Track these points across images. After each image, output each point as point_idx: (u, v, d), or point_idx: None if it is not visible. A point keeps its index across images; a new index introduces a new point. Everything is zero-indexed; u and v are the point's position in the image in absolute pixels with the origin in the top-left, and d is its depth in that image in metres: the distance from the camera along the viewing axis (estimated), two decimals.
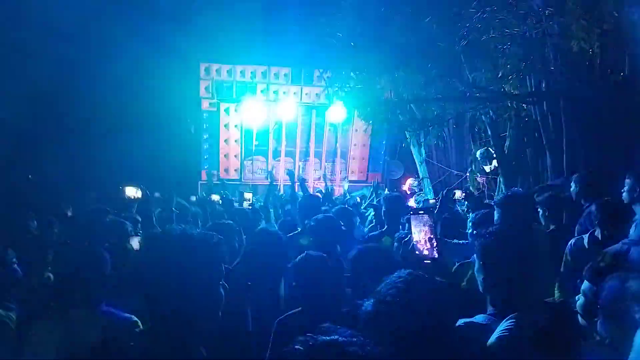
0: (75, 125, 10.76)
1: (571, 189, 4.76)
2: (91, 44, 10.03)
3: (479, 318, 1.92)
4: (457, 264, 3.34)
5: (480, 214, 3.80)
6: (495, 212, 3.34)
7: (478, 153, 9.89)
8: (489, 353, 1.80)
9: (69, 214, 5.86)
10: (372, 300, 1.60)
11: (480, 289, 1.99)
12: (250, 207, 6.15)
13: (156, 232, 2.74)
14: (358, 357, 0.98)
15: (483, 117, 8.60)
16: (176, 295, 1.48)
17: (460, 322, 1.85)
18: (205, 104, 12.09)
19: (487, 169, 9.74)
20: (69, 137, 10.69)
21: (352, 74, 7.52)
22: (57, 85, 10.15)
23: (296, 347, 1.02)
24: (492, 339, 1.86)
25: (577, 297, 2.31)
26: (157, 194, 6.61)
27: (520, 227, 2.16)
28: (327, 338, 1.02)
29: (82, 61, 10.18)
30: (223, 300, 1.57)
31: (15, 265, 2.89)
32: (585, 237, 3.50)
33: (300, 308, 2.65)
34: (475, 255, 2.04)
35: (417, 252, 2.46)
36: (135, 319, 2.34)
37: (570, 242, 3.59)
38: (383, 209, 4.85)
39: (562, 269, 3.56)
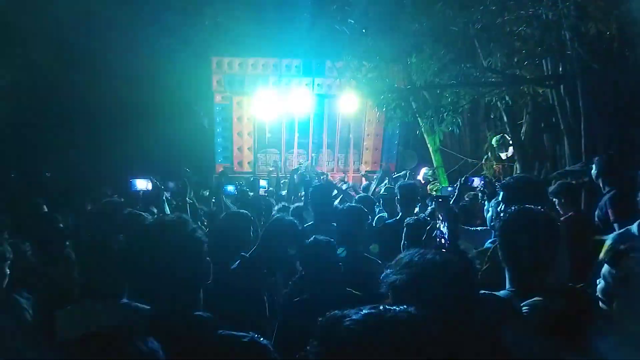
0: (88, 119, 10.88)
1: (592, 172, 4.68)
2: (105, 37, 10.09)
3: (500, 293, 1.91)
4: (474, 251, 3.31)
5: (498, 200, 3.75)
6: (501, 194, 3.28)
7: (494, 140, 9.75)
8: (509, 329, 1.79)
9: (88, 207, 5.92)
10: (404, 271, 1.59)
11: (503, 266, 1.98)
12: (266, 194, 6.21)
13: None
14: (406, 323, 0.98)
15: (498, 103, 8.47)
16: (157, 278, 1.56)
17: (482, 292, 1.84)
18: (218, 98, 12.11)
19: (503, 156, 9.60)
20: (83, 132, 10.82)
21: (363, 62, 7.44)
22: (71, 79, 10.26)
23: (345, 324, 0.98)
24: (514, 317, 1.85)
25: (597, 281, 2.27)
26: (171, 184, 6.66)
27: (541, 209, 2.11)
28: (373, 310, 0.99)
29: (96, 55, 10.27)
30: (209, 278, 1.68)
31: (29, 254, 2.93)
32: (635, 226, 3.31)
33: (306, 295, 2.66)
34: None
35: (438, 239, 2.46)
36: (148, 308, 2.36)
37: (616, 234, 3.45)
38: (397, 196, 4.82)
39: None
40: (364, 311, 0.99)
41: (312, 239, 2.84)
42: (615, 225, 3.96)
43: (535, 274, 1.89)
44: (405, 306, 1.02)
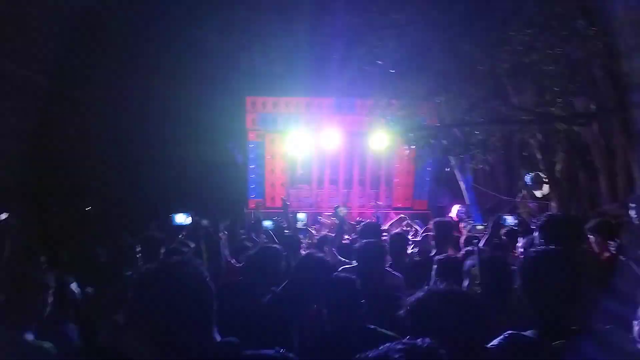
0: (128, 156, 11.33)
1: (630, 213, 4.56)
2: (148, 79, 10.64)
3: (527, 333, 1.91)
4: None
5: (530, 238, 3.73)
6: (536, 234, 3.27)
7: (528, 178, 9.62)
8: None
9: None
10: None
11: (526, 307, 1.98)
12: (305, 227, 6.34)
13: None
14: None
15: (531, 140, 8.42)
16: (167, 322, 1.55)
17: (507, 333, 1.85)
18: (251, 136, 12.48)
19: (537, 194, 9.44)
20: (122, 169, 11.27)
21: (392, 101, 7.59)
22: (114, 118, 10.79)
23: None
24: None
25: (634, 323, 2.22)
26: (204, 222, 6.84)
27: (560, 250, 2.12)
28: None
29: (140, 96, 10.80)
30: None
31: (74, 288, 3.07)
32: None
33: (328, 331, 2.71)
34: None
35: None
36: None
37: None
38: (433, 233, 4.83)
39: None
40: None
41: (333, 275, 2.90)
42: None
43: (557, 315, 1.89)
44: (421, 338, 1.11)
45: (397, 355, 1.11)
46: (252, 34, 10.64)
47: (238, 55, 11.17)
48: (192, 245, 4.56)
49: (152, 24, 10.01)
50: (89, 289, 3.39)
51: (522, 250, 3.66)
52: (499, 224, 5.25)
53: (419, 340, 1.21)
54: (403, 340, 1.23)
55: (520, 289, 1.98)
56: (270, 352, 1.59)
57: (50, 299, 2.78)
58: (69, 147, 10.74)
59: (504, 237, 5.60)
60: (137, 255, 4.39)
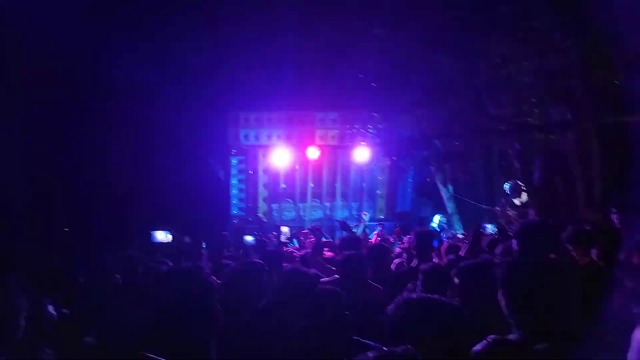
0: (105, 172, 11.13)
1: (613, 218, 4.64)
2: (124, 93, 10.52)
3: (511, 336, 1.92)
4: None
5: (507, 245, 3.75)
6: (514, 242, 3.29)
7: (507, 186, 9.74)
8: None
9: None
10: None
11: (505, 314, 1.99)
12: (288, 240, 6.32)
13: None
14: None
15: (509, 150, 8.54)
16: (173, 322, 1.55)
17: (490, 337, 1.86)
18: (233, 151, 12.44)
19: (517, 202, 9.56)
20: (101, 187, 11.06)
21: (374, 113, 7.65)
22: (87, 135, 10.61)
23: None
24: None
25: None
26: (187, 239, 6.77)
27: (536, 257, 2.14)
28: None
29: (114, 110, 10.65)
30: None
31: (51, 311, 2.97)
32: None
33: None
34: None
35: None
36: None
37: None
38: (415, 243, 4.82)
39: None
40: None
41: (318, 288, 2.87)
42: None
43: (539, 321, 1.90)
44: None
45: None
46: (234, 49, 10.65)
47: (220, 70, 11.14)
48: (170, 264, 4.47)
49: (133, 39, 9.93)
50: (66, 311, 3.28)
51: (500, 257, 3.69)
52: (480, 232, 5.29)
53: (398, 348, 1.24)
54: (383, 348, 1.27)
55: (501, 296, 1.99)
56: None
57: (22, 323, 2.70)
58: (46, 163, 10.52)
59: (485, 247, 5.65)
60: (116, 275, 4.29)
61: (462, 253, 4.84)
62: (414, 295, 1.90)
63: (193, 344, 1.61)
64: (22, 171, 9.45)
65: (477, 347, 1.92)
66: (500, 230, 6.31)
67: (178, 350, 1.62)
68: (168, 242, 5.36)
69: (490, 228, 6.06)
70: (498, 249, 4.69)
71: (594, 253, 4.43)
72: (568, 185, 8.06)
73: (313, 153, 11.71)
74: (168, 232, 5.25)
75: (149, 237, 5.67)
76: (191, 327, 1.59)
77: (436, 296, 1.85)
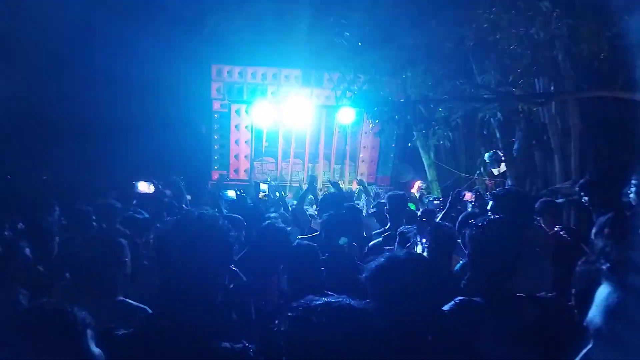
0: (88, 126, 10.96)
1: (583, 199, 4.76)
2: (104, 47, 10.25)
3: (476, 299, 2.00)
4: (460, 263, 3.41)
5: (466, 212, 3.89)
6: (490, 203, 3.40)
7: (486, 156, 9.88)
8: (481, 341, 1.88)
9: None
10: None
11: (468, 276, 2.07)
12: (266, 197, 6.39)
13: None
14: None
15: (492, 119, 8.61)
16: (188, 274, 1.56)
17: (457, 299, 1.94)
18: (216, 105, 12.23)
19: (495, 172, 9.72)
20: (81, 137, 10.89)
21: (359, 75, 7.58)
22: (70, 89, 10.38)
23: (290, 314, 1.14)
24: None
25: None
26: (168, 192, 6.76)
27: (509, 221, 2.22)
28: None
29: (95, 64, 10.39)
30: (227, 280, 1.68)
31: (28, 253, 2.99)
32: None
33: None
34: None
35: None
36: (149, 310, 2.39)
37: None
38: (387, 207, 4.93)
39: None
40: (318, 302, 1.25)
41: (295, 243, 2.94)
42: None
43: (502, 282, 1.98)
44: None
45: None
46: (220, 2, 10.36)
47: (204, 22, 10.83)
48: (146, 215, 4.49)
49: None
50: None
51: (460, 219, 3.85)
52: (458, 199, 5.41)
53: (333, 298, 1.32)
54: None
55: (468, 256, 2.07)
56: (239, 346, 1.59)
57: None
58: (29, 112, 10.31)
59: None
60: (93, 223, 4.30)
61: (438, 218, 4.96)
62: (401, 254, 1.96)
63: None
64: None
65: (446, 307, 2.01)
66: (478, 196, 6.46)
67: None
68: (150, 194, 5.35)
69: (468, 195, 6.19)
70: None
71: (559, 226, 4.60)
72: (545, 157, 8.22)
73: (297, 112, 11.61)
74: (151, 183, 5.23)
75: (131, 187, 5.64)
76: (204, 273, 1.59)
77: (419, 254, 1.91)
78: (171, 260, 1.59)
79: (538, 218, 4.60)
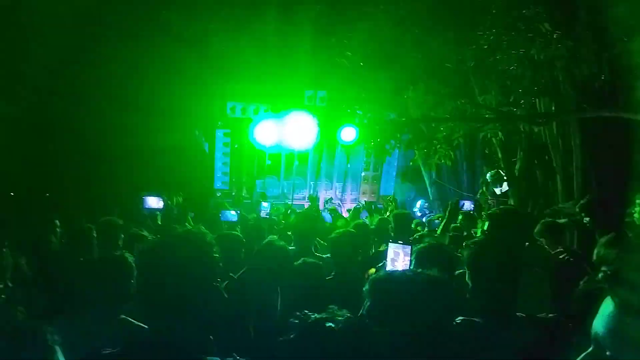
0: (93, 144, 11.05)
1: (585, 220, 4.74)
2: (119, 68, 10.44)
3: (477, 319, 1.98)
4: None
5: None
6: (487, 223, 3.39)
7: (488, 175, 9.88)
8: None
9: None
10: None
11: (469, 295, 2.05)
12: (268, 215, 6.38)
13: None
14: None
15: (493, 139, 8.63)
16: (173, 291, 1.56)
17: (459, 319, 1.92)
18: (220, 124, 12.34)
19: (497, 191, 9.71)
20: (85, 156, 10.98)
21: (362, 94, 7.64)
22: (78, 110, 10.53)
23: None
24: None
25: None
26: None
27: (505, 241, 2.21)
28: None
29: (109, 85, 10.55)
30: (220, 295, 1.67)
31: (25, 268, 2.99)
32: None
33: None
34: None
35: None
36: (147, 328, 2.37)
37: None
38: (392, 225, 4.94)
39: None
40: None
41: (300, 261, 2.92)
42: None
43: (501, 303, 1.96)
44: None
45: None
46: (221, 20, 10.50)
47: (208, 42, 10.99)
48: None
49: (119, 12, 9.83)
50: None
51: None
52: (457, 208, 5.38)
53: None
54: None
55: (467, 277, 2.05)
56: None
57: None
58: (33, 132, 10.41)
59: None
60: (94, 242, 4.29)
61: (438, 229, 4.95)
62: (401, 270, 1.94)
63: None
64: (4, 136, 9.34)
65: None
66: (477, 206, 6.46)
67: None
68: (159, 209, 5.36)
69: (467, 204, 6.20)
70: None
71: (562, 246, 4.57)
72: (547, 177, 8.20)
73: (300, 130, 11.66)
74: (160, 198, 5.25)
75: (140, 202, 5.65)
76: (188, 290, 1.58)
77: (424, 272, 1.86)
78: (153, 277, 1.59)
79: (540, 239, 4.58)
